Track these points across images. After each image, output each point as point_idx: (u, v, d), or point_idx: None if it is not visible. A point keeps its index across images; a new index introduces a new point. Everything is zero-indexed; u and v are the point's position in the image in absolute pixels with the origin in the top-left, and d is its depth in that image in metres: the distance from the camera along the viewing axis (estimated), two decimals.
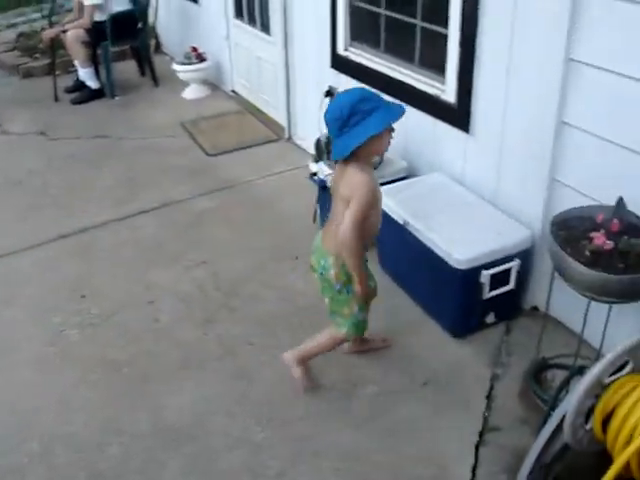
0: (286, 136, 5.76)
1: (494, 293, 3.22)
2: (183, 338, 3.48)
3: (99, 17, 6.71)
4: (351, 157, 2.62)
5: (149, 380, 3.23)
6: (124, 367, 3.31)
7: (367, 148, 2.60)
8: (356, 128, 2.54)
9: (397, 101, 2.98)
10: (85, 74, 6.90)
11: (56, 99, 6.97)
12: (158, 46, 8.40)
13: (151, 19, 7.99)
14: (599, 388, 2.19)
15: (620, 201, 2.71)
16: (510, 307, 3.44)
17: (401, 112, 2.62)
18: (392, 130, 2.66)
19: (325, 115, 2.65)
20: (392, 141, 2.70)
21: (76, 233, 4.50)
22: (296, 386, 3.11)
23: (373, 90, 2.72)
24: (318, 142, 4.07)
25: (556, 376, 3.11)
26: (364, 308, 2.96)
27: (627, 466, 2.05)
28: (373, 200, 2.70)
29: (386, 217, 3.45)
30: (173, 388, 3.18)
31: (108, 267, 4.12)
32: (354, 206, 2.61)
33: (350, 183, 2.64)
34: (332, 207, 2.83)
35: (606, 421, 2.20)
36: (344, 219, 2.64)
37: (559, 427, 2.28)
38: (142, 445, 2.89)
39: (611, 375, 2.19)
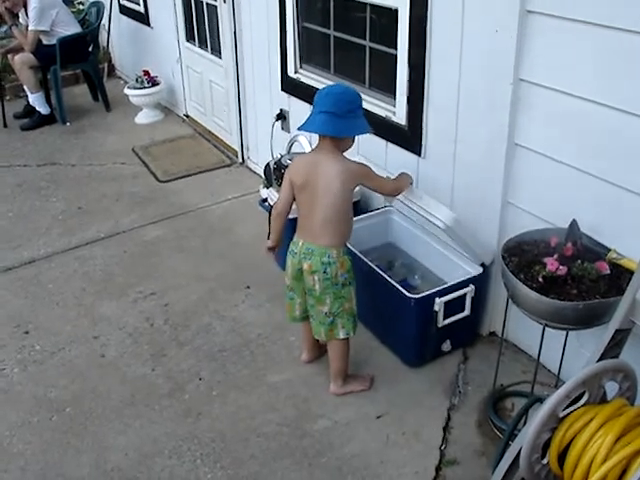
0: (239, 160, 5.66)
1: (449, 320, 3.13)
2: (130, 374, 3.35)
3: (47, 41, 6.59)
4: (336, 144, 2.78)
5: (94, 420, 3.09)
6: (67, 407, 3.16)
7: (349, 142, 2.85)
8: (360, 120, 2.78)
9: None
10: (35, 99, 6.75)
11: (5, 125, 6.81)
12: (112, 70, 8.28)
13: (104, 42, 7.88)
14: (555, 421, 2.11)
15: (573, 224, 2.65)
16: (467, 334, 3.36)
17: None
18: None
19: (333, 90, 2.82)
20: None
21: (22, 265, 4.35)
22: (368, 387, 3.18)
23: None
24: (267, 167, 3.97)
25: (515, 404, 3.05)
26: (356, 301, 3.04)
27: None
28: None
29: None
30: (119, 427, 3.04)
31: (54, 301, 3.97)
32: (376, 181, 2.93)
33: (349, 172, 2.80)
34: (309, 200, 2.83)
35: (563, 455, 2.12)
36: (385, 189, 3.01)
37: (516, 461, 2.20)
38: None
39: (567, 407, 2.11)
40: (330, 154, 2.79)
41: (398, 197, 3.09)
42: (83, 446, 2.95)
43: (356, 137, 2.88)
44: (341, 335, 3.00)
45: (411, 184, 3.09)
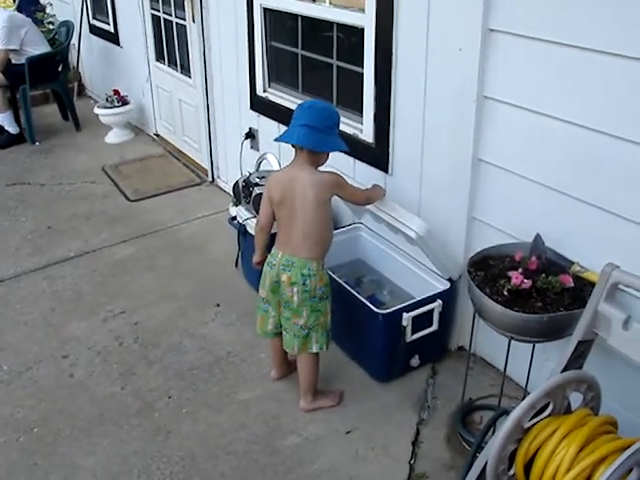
0: (209, 179, 5.67)
1: (417, 335, 3.15)
2: (99, 394, 3.32)
3: (16, 60, 6.55)
4: (312, 158, 2.83)
5: (62, 440, 3.06)
6: (35, 427, 3.13)
7: (324, 157, 2.90)
8: (337, 137, 2.86)
9: None
10: (4, 119, 6.68)
11: None
12: (82, 89, 8.25)
13: (74, 62, 7.87)
14: (520, 432, 2.13)
15: (537, 238, 2.70)
16: (435, 348, 3.38)
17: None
18: None
19: (315, 105, 2.87)
20: None
21: None
22: (338, 403, 3.18)
23: None
24: (236, 185, 3.98)
25: (484, 417, 3.07)
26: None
27: None
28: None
29: None
30: (87, 448, 3.01)
31: (22, 321, 3.93)
32: (347, 190, 2.98)
33: (324, 181, 2.85)
34: (288, 214, 2.87)
35: (529, 466, 2.14)
36: (355, 198, 3.08)
37: (483, 474, 2.22)
38: None
39: (532, 418, 2.14)
40: (305, 168, 2.83)
41: (371, 208, 3.18)
42: (51, 467, 2.92)
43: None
44: (314, 349, 3.01)
45: (384, 195, 3.16)
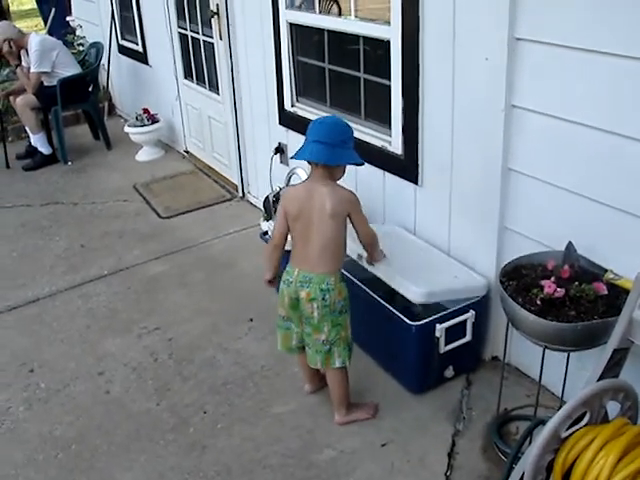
0: (240, 195, 5.70)
1: (451, 346, 3.14)
2: (135, 410, 3.35)
3: (48, 82, 6.67)
4: (326, 168, 2.84)
5: (99, 456, 3.09)
6: (73, 444, 3.17)
7: (341, 171, 2.91)
8: (351, 151, 2.86)
9: None
10: (37, 140, 6.81)
11: (7, 166, 6.85)
12: (112, 108, 8.37)
13: (104, 82, 7.98)
14: (557, 442, 2.11)
15: (570, 246, 2.68)
16: (469, 359, 3.36)
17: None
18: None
19: (326, 120, 2.94)
20: None
21: (26, 304, 4.37)
22: (372, 416, 3.17)
23: None
24: (266, 200, 4.01)
25: (520, 428, 3.04)
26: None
27: None
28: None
29: None
30: (124, 463, 3.04)
31: (58, 338, 3.98)
32: (360, 216, 2.94)
33: (342, 197, 2.86)
34: (305, 229, 2.88)
35: (566, 476, 2.12)
36: (362, 227, 2.97)
37: None
38: None
39: (569, 428, 2.11)
40: (322, 183, 2.85)
41: (373, 270, 3.25)
42: None
43: (355, 168, 2.93)
44: (337, 364, 3.01)
45: (384, 257, 3.23)
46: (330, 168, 2.85)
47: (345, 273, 3.21)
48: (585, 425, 2.13)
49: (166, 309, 4.19)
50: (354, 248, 3.24)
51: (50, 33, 8.24)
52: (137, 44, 7.22)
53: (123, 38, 7.64)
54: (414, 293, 3.07)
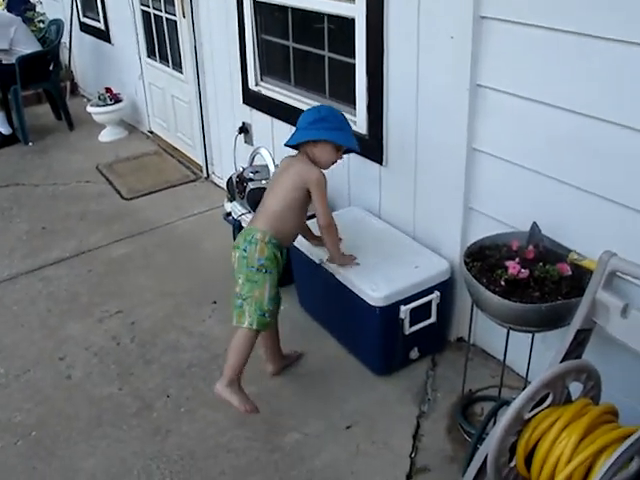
0: (204, 175, 5.64)
1: (415, 328, 3.13)
2: (96, 395, 3.30)
3: (7, 60, 6.51)
4: (305, 150, 2.94)
5: (60, 443, 3.03)
6: (33, 431, 3.10)
7: (321, 152, 2.93)
8: (326, 130, 2.90)
9: None
10: None
11: None
12: (74, 88, 8.21)
13: (65, 60, 7.82)
14: (520, 424, 2.11)
15: (534, 226, 2.67)
16: (434, 340, 3.35)
17: (356, 146, 3.03)
18: (341, 156, 3.02)
19: (304, 112, 3.03)
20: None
21: None
22: (243, 410, 2.87)
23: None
24: (230, 181, 3.96)
25: (485, 409, 3.05)
26: (274, 301, 2.98)
27: None
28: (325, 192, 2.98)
29: (302, 256, 3.36)
30: (86, 450, 2.99)
31: (19, 323, 3.90)
32: (318, 196, 2.93)
33: (305, 171, 2.92)
34: (269, 193, 3.01)
35: (529, 457, 2.12)
36: (318, 205, 2.94)
37: (484, 466, 2.19)
38: None
39: (532, 409, 2.11)
40: (299, 159, 2.99)
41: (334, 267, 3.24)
42: (50, 470, 2.90)
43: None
44: (246, 323, 2.89)
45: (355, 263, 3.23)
46: (305, 149, 2.96)
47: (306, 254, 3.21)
48: (548, 406, 2.13)
49: (129, 292, 4.13)
50: (320, 254, 3.30)
51: (9, 9, 8.03)
52: (99, 22, 7.07)
53: (85, 15, 7.48)
54: (372, 299, 3.04)
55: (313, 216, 3.10)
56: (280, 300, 3.14)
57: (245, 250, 2.90)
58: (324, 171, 2.98)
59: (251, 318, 2.89)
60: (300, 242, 3.33)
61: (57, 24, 7.17)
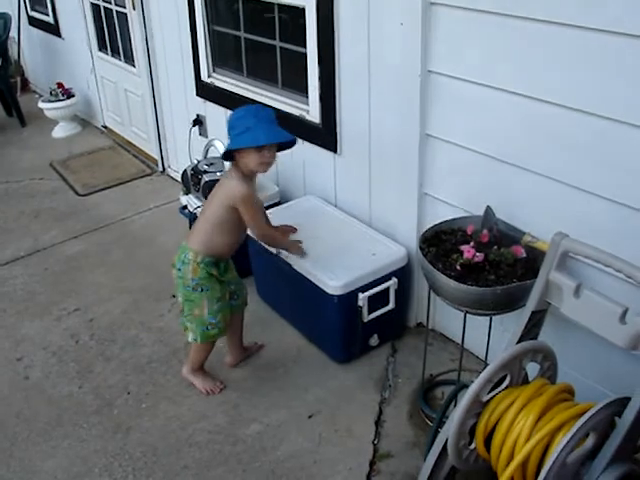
0: (160, 169, 5.59)
1: (374, 315, 3.14)
2: (56, 394, 3.25)
3: None
4: (237, 162, 2.80)
5: (19, 445, 2.99)
6: None
7: (247, 160, 2.76)
8: (234, 138, 2.76)
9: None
10: None
11: None
12: (25, 83, 8.06)
13: (15, 55, 7.67)
14: (479, 406, 2.13)
15: (488, 210, 2.69)
16: (394, 326, 3.37)
17: (273, 137, 2.77)
18: (272, 153, 2.79)
19: None
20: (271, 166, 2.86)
21: None
22: (205, 393, 3.17)
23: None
24: (185, 174, 3.92)
25: (445, 393, 3.08)
26: (218, 312, 2.99)
27: None
28: (257, 206, 2.93)
29: (259, 247, 3.35)
30: (47, 450, 2.95)
31: None
32: (246, 212, 2.83)
33: (229, 189, 2.82)
34: (202, 211, 3.00)
35: (489, 439, 2.14)
36: (248, 221, 2.86)
37: (445, 450, 2.21)
38: None
39: (490, 391, 2.13)
40: (228, 175, 2.90)
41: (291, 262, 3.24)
42: (9, 473, 2.85)
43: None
44: (189, 338, 3.06)
45: (304, 254, 3.22)
46: (236, 161, 2.83)
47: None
48: (506, 388, 2.16)
49: (86, 289, 4.08)
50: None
51: None
52: (48, 15, 6.94)
53: (33, 9, 7.34)
54: (330, 287, 3.04)
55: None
56: (241, 294, 3.20)
57: (180, 270, 2.92)
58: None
59: (195, 334, 3.04)
60: None
61: (4, 18, 7.01)
